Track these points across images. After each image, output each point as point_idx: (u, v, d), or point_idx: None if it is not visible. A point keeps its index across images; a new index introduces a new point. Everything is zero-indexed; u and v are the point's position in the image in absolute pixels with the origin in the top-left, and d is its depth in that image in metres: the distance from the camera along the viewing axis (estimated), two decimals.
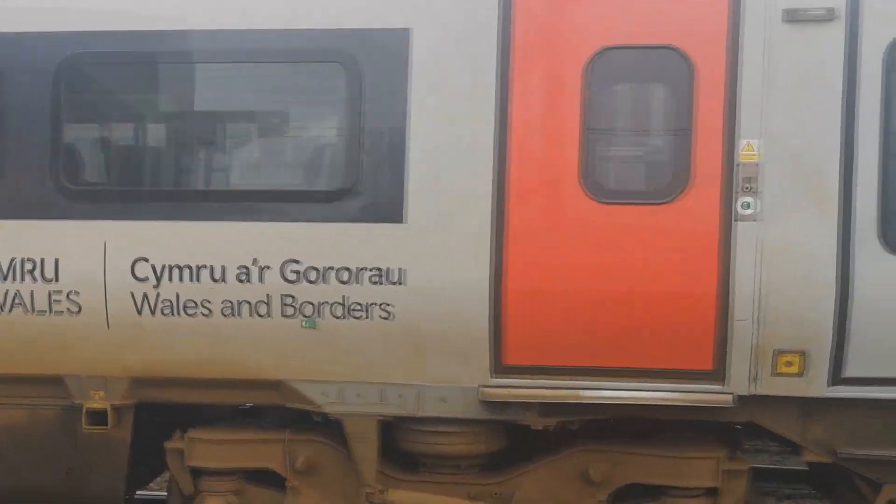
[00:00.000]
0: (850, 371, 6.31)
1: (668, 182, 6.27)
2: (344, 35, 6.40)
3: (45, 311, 6.62)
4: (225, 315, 6.52)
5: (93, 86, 6.75)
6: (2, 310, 6.62)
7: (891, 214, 6.15)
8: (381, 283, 6.40)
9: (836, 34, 6.14)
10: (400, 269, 6.39)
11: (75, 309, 6.59)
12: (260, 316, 6.50)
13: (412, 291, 6.40)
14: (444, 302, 6.40)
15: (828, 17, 6.15)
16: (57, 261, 6.58)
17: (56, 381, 6.82)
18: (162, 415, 7.12)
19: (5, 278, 6.61)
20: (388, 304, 6.42)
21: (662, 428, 6.86)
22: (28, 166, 6.61)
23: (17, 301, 6.62)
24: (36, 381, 6.82)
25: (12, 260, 6.61)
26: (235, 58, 6.55)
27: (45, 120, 6.59)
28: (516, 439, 6.91)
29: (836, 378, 6.31)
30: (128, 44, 6.56)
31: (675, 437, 6.81)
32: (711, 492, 6.66)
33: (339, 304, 6.44)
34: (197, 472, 7.00)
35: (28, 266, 6.60)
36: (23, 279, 6.60)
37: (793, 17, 6.16)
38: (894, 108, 6.17)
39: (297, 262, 6.45)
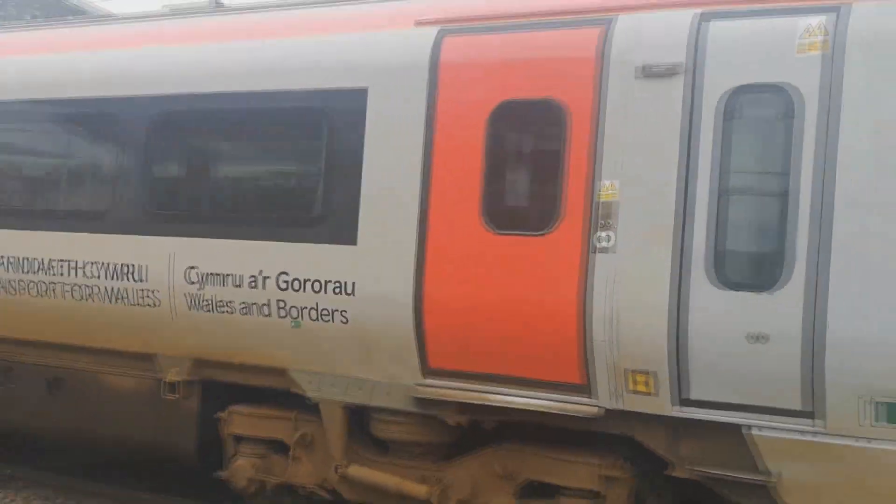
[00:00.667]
0: (694, 394, 6.89)
1: (544, 217, 7.30)
2: (321, 94, 8.17)
3: (139, 304, 9.03)
4: (242, 314, 8.44)
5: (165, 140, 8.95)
6: (113, 301, 9.13)
7: (720, 252, 6.77)
8: (340, 294, 7.93)
9: (677, 87, 6.90)
10: (353, 283, 7.89)
11: (156, 303, 8.95)
12: (265, 316, 8.27)
13: (361, 301, 7.84)
14: (383, 312, 7.77)
15: (671, 72, 6.94)
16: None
17: (149, 358, 9.13)
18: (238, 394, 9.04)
19: (115, 278, 9.10)
20: (345, 311, 7.91)
21: (587, 437, 7.73)
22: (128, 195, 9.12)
23: (121, 295, 9.10)
24: (137, 356, 9.09)
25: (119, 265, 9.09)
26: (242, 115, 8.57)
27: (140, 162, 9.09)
28: (469, 435, 8.07)
29: (683, 399, 6.93)
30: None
31: (578, 444, 7.68)
32: (598, 495, 7.48)
33: (314, 309, 8.05)
34: (238, 439, 9.02)
35: (125, 269, 9.07)
36: (124, 279, 9.07)
37: (644, 72, 7.02)
38: (727, 154, 6.82)
39: (286, 273, 8.25)
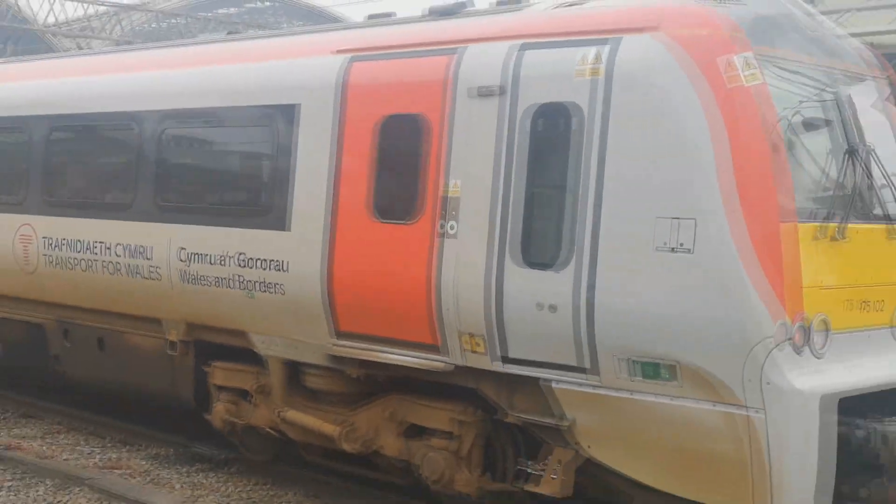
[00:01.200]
0: (511, 353, 8.50)
1: (411, 208, 9.03)
2: (267, 109, 10.26)
3: (149, 279, 11.19)
4: (217, 286, 10.44)
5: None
6: (131, 276, 11.31)
7: (524, 238, 8.37)
8: (278, 270, 9.88)
9: (500, 105, 8.56)
10: (286, 261, 9.82)
11: (159, 277, 11.06)
12: (230, 288, 10.30)
13: (291, 277, 9.78)
14: (306, 286, 9.64)
15: (495, 92, 8.58)
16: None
17: (158, 322, 11.31)
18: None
19: (131, 256, 11.29)
20: (282, 285, 9.84)
21: (459, 390, 9.22)
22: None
23: (136, 271, 11.27)
24: (150, 320, 11.34)
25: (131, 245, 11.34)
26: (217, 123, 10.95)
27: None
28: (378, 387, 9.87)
29: (504, 357, 8.53)
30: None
31: (450, 396, 9.30)
32: (453, 435, 9.21)
33: (261, 282, 10.02)
34: (219, 388, 11.03)
35: (140, 250, 11.26)
36: (136, 258, 11.28)
37: (478, 93, 8.70)
38: (532, 159, 8.37)
39: (244, 254, 10.20)
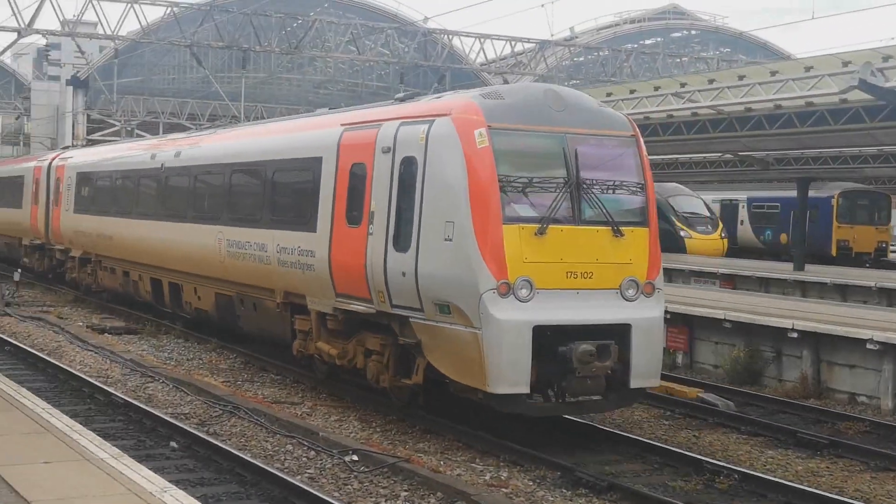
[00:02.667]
0: (394, 302, 14.03)
1: (361, 218, 14.81)
2: (306, 157, 16.63)
3: (267, 264, 17.58)
4: (292, 268, 16.53)
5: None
6: (260, 262, 17.77)
7: (395, 236, 13.97)
8: (311, 256, 15.94)
9: (389, 157, 14.32)
10: (312, 251, 15.97)
11: (270, 262, 17.42)
12: (295, 269, 16.44)
13: (317, 260, 15.80)
14: (321, 266, 15.66)
15: (388, 150, 14.36)
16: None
17: (272, 291, 17.60)
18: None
19: (259, 250, 17.77)
20: (310, 265, 15.97)
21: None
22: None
23: (261, 259, 17.70)
24: (269, 290, 17.74)
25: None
26: (235, 168, 19.52)
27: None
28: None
29: (393, 304, 14.07)
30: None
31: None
32: (381, 353, 14.90)
33: (307, 264, 16.10)
34: (299, 332, 17.06)
35: (262, 246, 17.73)
36: (261, 251, 17.80)
37: (383, 151, 14.50)
38: (398, 190, 14.05)
39: (300, 246, 16.36)
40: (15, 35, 39.00)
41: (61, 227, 29.78)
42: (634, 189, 13.89)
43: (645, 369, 13.57)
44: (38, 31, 41.14)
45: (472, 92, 14.45)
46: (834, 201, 44.17)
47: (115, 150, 28.34)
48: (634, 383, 13.54)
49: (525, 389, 12.91)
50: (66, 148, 39.44)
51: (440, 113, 13.65)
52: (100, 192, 26.82)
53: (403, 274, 13.56)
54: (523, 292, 12.83)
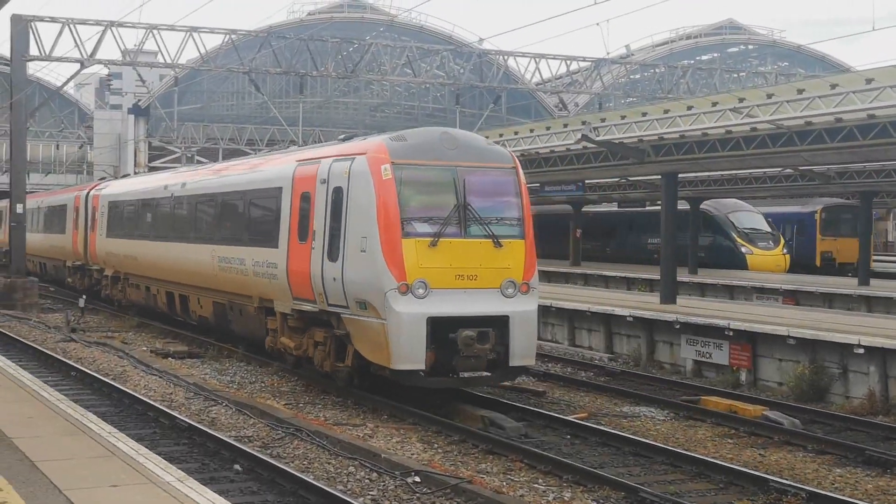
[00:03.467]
0: (330, 301, 17.56)
1: (306, 236, 18.45)
2: (269, 188, 20.63)
3: (246, 275, 21.45)
4: (262, 277, 20.28)
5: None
6: (241, 274, 21.59)
7: (329, 249, 17.56)
8: (275, 268, 19.59)
9: (326, 187, 17.97)
10: (276, 263, 19.58)
11: (248, 273, 21.21)
12: (265, 278, 20.17)
13: (279, 271, 19.41)
14: (282, 275, 19.24)
15: (325, 182, 17.99)
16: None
17: (250, 297, 21.42)
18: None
19: (239, 264, 21.78)
20: (275, 275, 19.59)
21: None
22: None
23: (241, 271, 21.65)
24: (248, 297, 21.53)
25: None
26: (222, 197, 23.68)
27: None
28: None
29: (329, 304, 17.57)
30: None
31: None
32: (324, 344, 18.46)
33: (272, 274, 19.77)
34: (269, 330, 21.15)
35: (241, 260, 21.70)
36: (241, 265, 21.79)
37: (321, 182, 18.18)
38: (331, 211, 17.67)
39: (268, 260, 19.99)
40: (78, 66, 39.62)
41: (97, 250, 34.17)
42: (512, 209, 17.28)
43: (522, 351, 16.92)
44: (100, 62, 41.70)
45: (384, 135, 17.74)
46: (817, 216, 46.52)
47: (138, 182, 32.63)
48: (513, 362, 16.86)
49: (421, 366, 16.20)
50: (103, 179, 44.47)
51: (360, 152, 17.23)
52: (126, 219, 31.15)
53: (335, 279, 17.21)
54: (420, 291, 16.25)
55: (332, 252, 17.27)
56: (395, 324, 16.04)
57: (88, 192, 36.24)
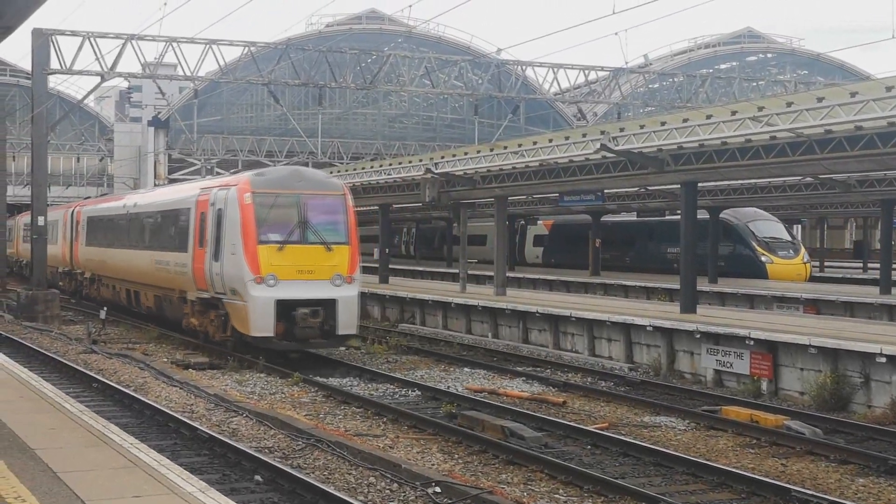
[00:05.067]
0: (216, 289, 24.87)
1: (203, 243, 25.77)
2: (183, 207, 27.65)
3: (169, 273, 28.72)
4: (164, 272, 29.17)
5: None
6: (167, 273, 29.30)
7: (213, 251, 25.17)
8: (185, 267, 26.71)
9: (214, 208, 25.23)
10: (186, 264, 26.65)
11: (170, 272, 28.69)
12: (179, 275, 27.81)
13: (187, 269, 26.58)
14: (188, 272, 26.43)
15: (214, 204, 25.50)
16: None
17: (174, 289, 28.38)
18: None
19: (165, 265, 29.68)
20: (186, 273, 26.62)
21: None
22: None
23: (166, 270, 29.07)
24: (174, 290, 28.39)
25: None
26: (157, 214, 30.86)
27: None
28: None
29: (216, 292, 24.87)
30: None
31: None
32: (218, 319, 25.71)
33: (184, 272, 26.91)
34: (186, 314, 28.26)
35: (166, 262, 28.97)
36: (166, 265, 29.07)
37: (213, 205, 25.36)
38: (214, 226, 25.14)
39: (179, 262, 27.44)
40: (98, 79, 39.93)
41: (79, 257, 41.72)
42: (340, 224, 24.35)
43: (345, 324, 23.80)
44: (120, 75, 42.01)
45: (251, 172, 25.49)
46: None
47: (108, 200, 40.59)
48: (340, 331, 23.77)
49: (270, 333, 23.19)
50: (88, 198, 53.16)
51: (234, 184, 24.58)
52: (98, 230, 38.28)
53: (217, 274, 24.47)
54: (271, 282, 23.21)
55: (216, 254, 24.41)
56: (253, 305, 23.07)
57: (74, 209, 43.79)
